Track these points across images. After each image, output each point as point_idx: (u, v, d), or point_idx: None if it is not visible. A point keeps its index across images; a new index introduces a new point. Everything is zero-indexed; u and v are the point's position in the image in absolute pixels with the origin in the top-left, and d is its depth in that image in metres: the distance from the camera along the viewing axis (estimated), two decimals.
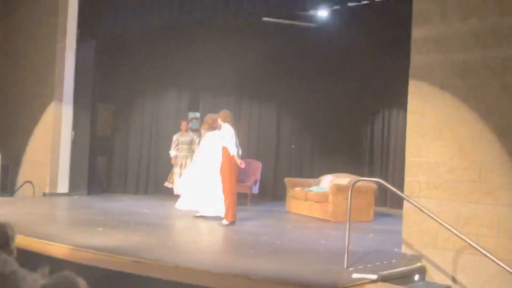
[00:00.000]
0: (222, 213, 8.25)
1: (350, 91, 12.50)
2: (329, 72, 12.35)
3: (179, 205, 9.01)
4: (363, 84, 12.47)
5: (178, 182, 9.58)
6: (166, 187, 10.62)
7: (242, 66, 12.17)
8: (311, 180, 10.69)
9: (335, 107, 12.70)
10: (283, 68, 12.39)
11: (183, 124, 10.77)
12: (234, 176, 8.18)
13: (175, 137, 10.73)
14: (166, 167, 11.07)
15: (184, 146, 10.57)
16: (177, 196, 9.26)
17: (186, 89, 12.34)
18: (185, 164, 10.28)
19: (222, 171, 8.20)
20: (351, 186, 5.55)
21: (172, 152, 10.65)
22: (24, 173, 11.13)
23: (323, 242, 7.16)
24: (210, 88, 12.34)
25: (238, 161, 8.11)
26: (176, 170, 10.43)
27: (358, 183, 8.94)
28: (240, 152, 8.31)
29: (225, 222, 8.08)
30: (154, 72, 12.12)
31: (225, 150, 8.20)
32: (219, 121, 8.39)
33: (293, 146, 12.89)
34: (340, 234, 7.66)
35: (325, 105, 12.73)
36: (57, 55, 10.66)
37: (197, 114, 12.42)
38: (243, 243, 6.94)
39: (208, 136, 8.72)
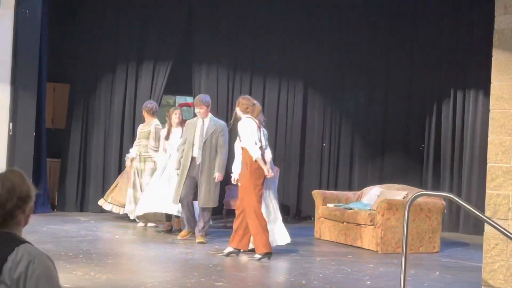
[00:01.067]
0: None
1: (402, 71, 12.78)
2: (374, 45, 12.55)
3: (139, 210, 9.90)
4: (421, 60, 12.67)
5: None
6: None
7: (252, 31, 12.25)
8: (350, 194, 10.75)
9: (384, 94, 12.83)
10: (312, 39, 12.57)
11: (176, 115, 10.33)
12: (259, 190, 8.10)
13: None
14: None
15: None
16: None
17: (172, 62, 12.40)
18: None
19: (242, 184, 8.13)
20: (408, 203, 5.48)
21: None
22: None
23: (368, 282, 7.16)
24: (205, 62, 12.43)
25: (265, 168, 8.06)
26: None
27: (419, 199, 9.17)
28: (269, 156, 8.27)
29: (257, 256, 8.04)
30: (128, 38, 12.19)
31: (245, 153, 8.15)
32: (237, 111, 8.36)
33: (324, 144, 12.99)
34: (392, 271, 7.72)
35: (370, 91, 12.85)
36: None
37: (188, 100, 12.42)
38: (254, 284, 6.91)
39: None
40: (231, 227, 8.71)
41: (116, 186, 10.99)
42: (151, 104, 10.76)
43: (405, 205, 5.52)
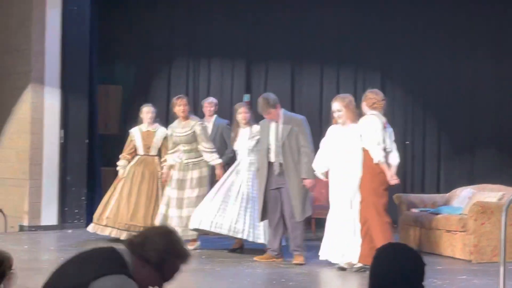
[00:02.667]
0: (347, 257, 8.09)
1: (491, 58, 12.68)
2: (458, 33, 12.39)
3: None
4: None
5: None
6: None
7: (320, 20, 12.22)
8: (437, 197, 10.60)
9: (472, 84, 12.65)
10: (388, 26, 12.52)
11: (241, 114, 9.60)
12: (382, 198, 7.87)
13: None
14: None
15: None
16: None
17: (239, 58, 12.47)
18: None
19: (362, 191, 7.88)
20: (505, 206, 5.33)
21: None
22: None
23: None
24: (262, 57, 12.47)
25: (388, 173, 7.82)
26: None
27: None
28: (395, 160, 8.01)
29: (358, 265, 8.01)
30: (184, 33, 12.27)
31: (366, 155, 7.92)
32: (363, 106, 8.04)
33: (407, 142, 12.90)
34: (488, 283, 7.53)
35: (456, 82, 12.69)
36: (34, 12, 10.91)
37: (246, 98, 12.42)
38: None
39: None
40: (320, 238, 8.51)
41: (107, 203, 9.98)
42: (185, 98, 9.77)
43: (502, 208, 5.37)
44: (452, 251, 9.29)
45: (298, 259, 8.45)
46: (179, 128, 9.56)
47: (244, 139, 9.28)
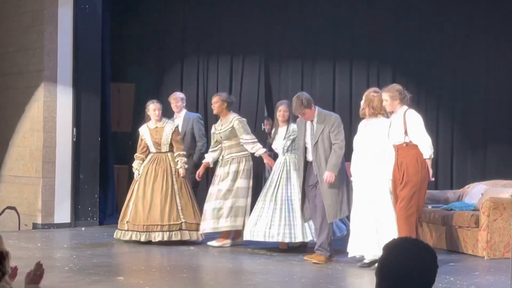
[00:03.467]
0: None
1: (504, 50, 12.68)
2: (471, 24, 12.35)
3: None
4: None
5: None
6: None
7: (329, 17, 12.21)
8: (450, 193, 10.56)
9: (485, 78, 12.60)
10: (401, 20, 12.48)
11: (280, 112, 9.30)
12: (423, 196, 7.88)
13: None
14: None
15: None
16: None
17: (251, 55, 12.47)
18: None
19: (410, 185, 7.65)
20: None
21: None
22: (4, 194, 11.50)
23: None
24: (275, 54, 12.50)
25: (431, 170, 7.75)
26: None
27: None
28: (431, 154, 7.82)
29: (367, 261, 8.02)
30: (196, 31, 12.29)
31: (413, 150, 7.72)
32: (390, 102, 7.72)
33: None
34: (500, 279, 7.51)
35: (469, 75, 12.63)
36: (46, 11, 10.96)
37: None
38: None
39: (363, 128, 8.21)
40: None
41: (127, 206, 9.77)
42: (225, 95, 9.85)
43: None
44: (464, 247, 9.26)
45: (318, 259, 8.35)
46: (219, 126, 9.68)
47: (281, 138, 9.18)
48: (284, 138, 9.10)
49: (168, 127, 9.85)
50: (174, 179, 9.70)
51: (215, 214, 9.40)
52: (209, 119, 12.04)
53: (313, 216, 8.62)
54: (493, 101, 12.70)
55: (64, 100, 11.01)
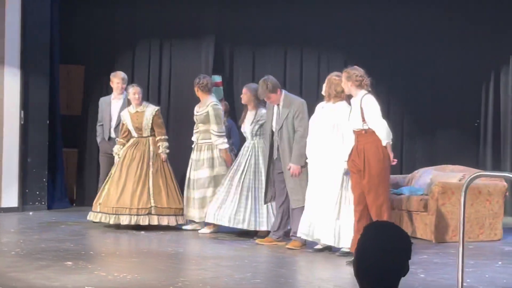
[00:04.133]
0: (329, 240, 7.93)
1: (453, 37, 12.70)
2: (418, 10, 12.44)
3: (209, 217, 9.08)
4: (475, 23, 12.58)
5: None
6: None
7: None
8: (399, 178, 10.66)
9: (434, 65, 12.71)
10: (351, 8, 12.55)
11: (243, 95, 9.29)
12: (388, 182, 7.66)
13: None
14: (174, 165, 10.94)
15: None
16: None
17: (206, 39, 12.41)
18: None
19: (371, 174, 7.41)
20: (464, 186, 5.38)
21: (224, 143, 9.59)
22: None
23: (422, 275, 7.07)
24: (228, 39, 12.44)
25: (391, 154, 7.49)
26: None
27: (478, 181, 9.03)
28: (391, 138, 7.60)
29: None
30: (148, 13, 12.20)
31: (371, 136, 7.47)
32: (348, 86, 7.56)
33: None
34: (449, 262, 7.63)
35: (418, 62, 12.72)
36: None
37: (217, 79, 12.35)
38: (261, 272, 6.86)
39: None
40: None
41: (102, 189, 9.72)
42: (204, 78, 9.66)
43: (462, 188, 5.42)
44: (413, 232, 9.38)
45: (294, 244, 8.31)
46: (197, 107, 9.60)
47: (249, 123, 9.09)
48: (252, 123, 9.02)
49: (149, 111, 9.73)
50: (151, 163, 9.59)
51: (200, 204, 9.32)
52: (161, 102, 11.97)
53: (276, 201, 8.60)
54: (442, 88, 12.79)
55: (11, 82, 10.83)
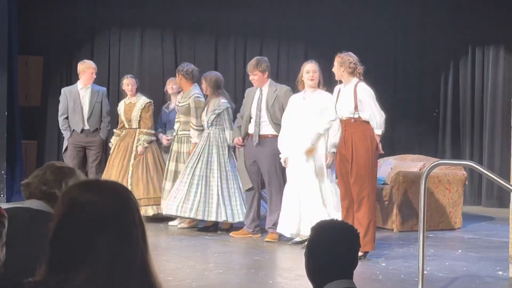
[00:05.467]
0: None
1: (412, 26, 12.80)
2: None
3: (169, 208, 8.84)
4: (434, 13, 12.68)
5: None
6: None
7: None
8: None
9: (393, 54, 12.78)
10: None
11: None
12: (375, 174, 7.37)
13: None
14: None
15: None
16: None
17: (166, 29, 12.35)
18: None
19: (360, 166, 7.15)
20: (424, 175, 5.42)
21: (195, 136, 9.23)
22: None
23: (383, 264, 7.15)
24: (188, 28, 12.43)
25: (379, 145, 7.32)
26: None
27: (437, 170, 9.12)
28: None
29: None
30: (107, 2, 12.11)
31: (362, 126, 7.28)
32: (341, 72, 7.32)
33: None
34: (409, 250, 7.70)
35: (377, 51, 12.77)
36: None
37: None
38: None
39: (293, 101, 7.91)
40: None
41: None
42: (188, 66, 9.29)
43: (422, 177, 5.46)
44: (375, 221, 9.41)
45: (271, 237, 8.22)
46: (180, 98, 9.38)
47: (205, 112, 8.91)
48: (208, 112, 8.82)
49: (139, 103, 9.64)
50: (133, 156, 9.52)
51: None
52: (117, 95, 11.88)
53: (247, 193, 8.47)
54: (402, 77, 12.89)
55: None
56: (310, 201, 7.75)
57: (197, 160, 8.78)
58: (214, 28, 12.50)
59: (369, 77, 12.71)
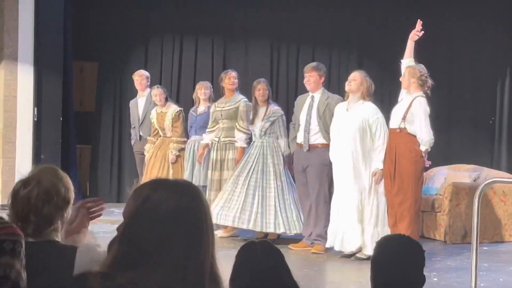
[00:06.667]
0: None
1: (467, 32, 12.62)
2: (432, 4, 12.34)
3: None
4: (491, 18, 12.53)
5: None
6: None
7: None
8: None
9: (448, 60, 12.62)
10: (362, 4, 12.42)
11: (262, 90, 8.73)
12: (420, 187, 7.32)
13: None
14: None
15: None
16: None
17: (217, 35, 12.39)
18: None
19: (402, 178, 7.16)
20: (478, 194, 5.27)
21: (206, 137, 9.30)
22: None
23: (435, 279, 7.01)
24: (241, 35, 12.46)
25: (425, 158, 7.26)
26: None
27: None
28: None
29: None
30: (162, 9, 12.19)
31: (407, 138, 7.25)
32: (410, 81, 7.28)
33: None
34: (462, 264, 7.54)
35: (431, 58, 12.63)
36: None
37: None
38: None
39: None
40: None
41: None
42: (234, 72, 9.22)
43: (476, 189, 5.34)
44: (426, 232, 9.31)
45: (317, 248, 8.00)
46: (222, 103, 9.06)
47: (259, 120, 8.63)
48: (263, 120, 8.59)
49: (170, 112, 9.69)
50: (171, 165, 9.57)
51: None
52: (174, 99, 11.94)
53: (303, 203, 8.27)
54: (457, 85, 12.70)
55: (25, 79, 10.78)
56: (347, 216, 7.58)
57: (251, 170, 8.53)
58: (268, 35, 12.47)
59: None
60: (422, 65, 7.49)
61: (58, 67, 11.15)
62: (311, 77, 8.08)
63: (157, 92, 9.73)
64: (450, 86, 12.72)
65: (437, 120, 12.67)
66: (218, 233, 8.92)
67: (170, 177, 9.31)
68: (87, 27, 12.08)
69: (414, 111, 7.18)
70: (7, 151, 10.74)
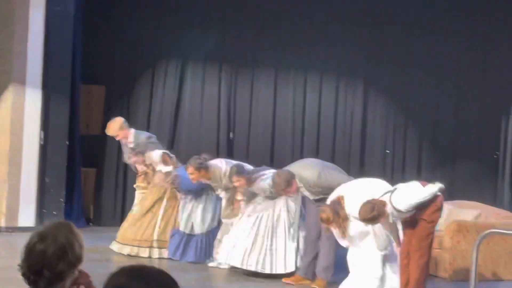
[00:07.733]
0: None
1: (474, 68, 12.71)
2: (442, 39, 12.37)
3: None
4: (496, 55, 12.66)
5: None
6: None
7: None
8: None
9: (455, 94, 12.67)
10: (372, 34, 12.48)
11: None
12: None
13: None
14: None
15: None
16: None
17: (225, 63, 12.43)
18: None
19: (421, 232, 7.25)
20: (477, 242, 5.31)
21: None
22: None
23: None
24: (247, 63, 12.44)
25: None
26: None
27: (493, 220, 8.86)
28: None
29: None
30: (169, 35, 12.24)
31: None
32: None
33: (388, 151, 12.87)
34: None
35: (439, 92, 12.67)
36: (17, 12, 10.80)
37: None
38: None
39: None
40: None
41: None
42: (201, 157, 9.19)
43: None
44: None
45: (318, 284, 7.93)
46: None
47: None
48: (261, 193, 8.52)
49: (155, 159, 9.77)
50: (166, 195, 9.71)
51: None
52: (178, 125, 12.01)
53: (309, 233, 8.16)
54: (462, 119, 12.73)
55: (32, 102, 10.86)
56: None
57: (263, 211, 8.43)
58: (274, 64, 12.52)
59: (429, 117, 12.67)
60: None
61: (66, 91, 11.22)
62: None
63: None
64: (454, 118, 12.79)
65: (441, 153, 12.71)
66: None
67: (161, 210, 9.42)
68: (96, 51, 12.13)
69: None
70: (12, 174, 10.79)
